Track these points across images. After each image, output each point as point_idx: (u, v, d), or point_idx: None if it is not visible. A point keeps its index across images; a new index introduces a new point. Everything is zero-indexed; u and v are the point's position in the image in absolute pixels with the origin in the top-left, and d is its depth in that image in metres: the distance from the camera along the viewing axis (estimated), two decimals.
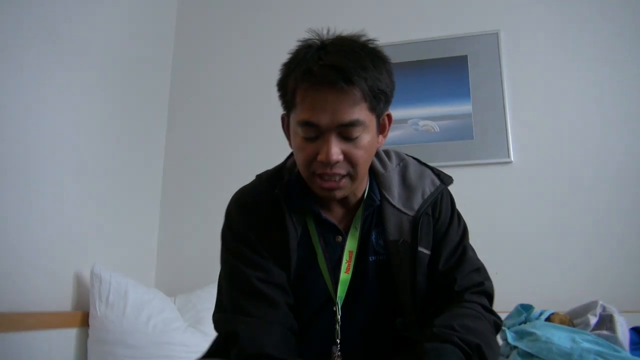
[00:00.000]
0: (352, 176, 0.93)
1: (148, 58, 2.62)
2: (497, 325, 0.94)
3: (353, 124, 0.88)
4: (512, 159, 2.29)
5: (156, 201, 2.64)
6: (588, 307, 1.50)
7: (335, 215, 1.03)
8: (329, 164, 0.89)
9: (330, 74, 0.86)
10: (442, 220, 1.01)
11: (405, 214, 0.99)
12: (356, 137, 0.90)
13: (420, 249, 0.97)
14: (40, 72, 1.84)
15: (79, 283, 1.98)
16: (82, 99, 2.08)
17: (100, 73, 2.20)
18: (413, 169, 1.06)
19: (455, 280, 0.95)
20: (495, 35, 2.44)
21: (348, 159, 0.91)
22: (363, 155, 0.92)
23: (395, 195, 1.02)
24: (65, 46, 1.98)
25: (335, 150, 0.88)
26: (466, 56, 2.45)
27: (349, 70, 0.86)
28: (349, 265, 0.99)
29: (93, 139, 2.14)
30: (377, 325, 1.01)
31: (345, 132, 0.89)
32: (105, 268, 1.93)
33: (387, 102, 0.96)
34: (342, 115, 0.87)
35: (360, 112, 0.89)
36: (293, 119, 0.95)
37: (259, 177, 1.09)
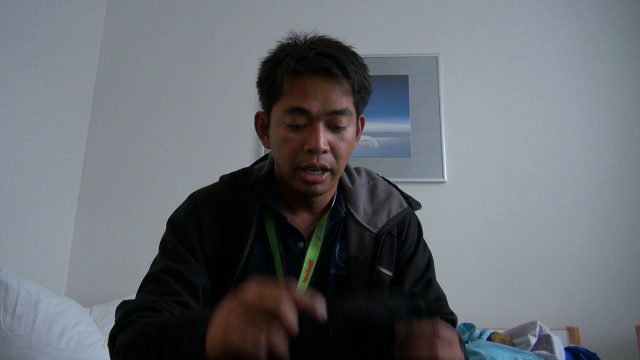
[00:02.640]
0: (333, 172, 0.91)
1: (73, 56, 2.41)
2: (462, 342, 0.94)
3: (343, 112, 0.88)
4: (446, 178, 2.37)
5: (73, 201, 2.42)
6: (527, 328, 1.56)
7: (298, 221, 0.98)
8: (317, 152, 0.87)
9: (326, 61, 0.86)
10: (408, 244, 1.00)
11: (368, 230, 0.97)
12: (343, 128, 0.90)
13: (382, 269, 0.95)
14: None
15: None
16: None
17: (18, 64, 1.99)
18: (382, 188, 1.04)
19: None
20: (435, 59, 2.53)
21: (333, 150, 0.89)
22: (346, 149, 0.91)
23: (360, 211, 0.99)
24: None
25: (324, 138, 0.87)
26: (407, 76, 2.51)
27: (343, 60, 0.87)
28: (307, 275, 0.94)
29: (5, 129, 1.92)
30: None
31: (334, 121, 0.88)
32: (13, 275, 1.72)
33: (365, 103, 0.97)
34: (333, 102, 0.87)
35: (348, 103, 0.89)
36: (278, 109, 0.91)
37: (221, 178, 1.03)
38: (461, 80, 2.51)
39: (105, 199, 2.45)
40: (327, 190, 0.94)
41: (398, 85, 2.50)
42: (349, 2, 2.65)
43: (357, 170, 1.08)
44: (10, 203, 1.93)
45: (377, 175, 1.09)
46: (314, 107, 0.87)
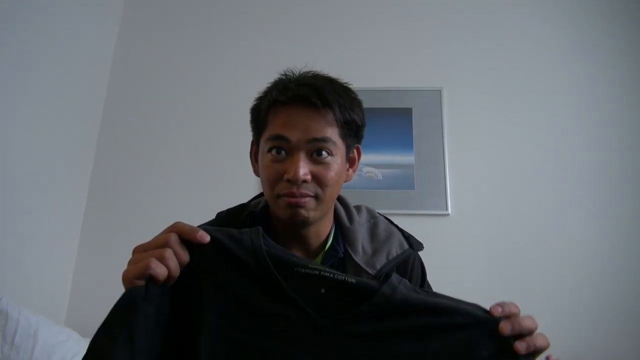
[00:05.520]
0: (318, 197, 0.90)
1: (80, 87, 2.45)
2: None
3: (324, 140, 0.88)
4: (450, 211, 2.36)
5: (76, 230, 2.42)
6: None
7: None
8: (296, 181, 0.86)
9: (307, 91, 0.87)
10: None
11: (365, 272, 0.95)
12: (326, 158, 0.89)
13: None
14: None
15: None
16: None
17: (24, 85, 2.02)
18: (383, 227, 1.03)
19: None
20: (439, 92, 2.56)
21: (316, 179, 0.89)
22: (333, 178, 0.90)
23: (359, 251, 0.98)
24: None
25: (304, 168, 0.86)
26: (411, 109, 2.54)
27: (325, 92, 0.88)
28: None
29: (9, 154, 1.94)
30: None
31: (316, 149, 0.88)
32: (13, 303, 1.71)
33: (358, 135, 0.97)
34: (314, 131, 0.88)
35: (332, 134, 0.89)
36: (263, 139, 0.92)
37: (218, 215, 1.04)
38: (465, 113, 2.53)
39: (108, 228, 2.45)
40: (312, 217, 0.91)
41: (402, 117, 2.52)
42: (353, 35, 2.70)
43: (358, 208, 1.07)
44: (11, 230, 1.93)
45: (379, 214, 1.08)
46: (294, 135, 0.87)
